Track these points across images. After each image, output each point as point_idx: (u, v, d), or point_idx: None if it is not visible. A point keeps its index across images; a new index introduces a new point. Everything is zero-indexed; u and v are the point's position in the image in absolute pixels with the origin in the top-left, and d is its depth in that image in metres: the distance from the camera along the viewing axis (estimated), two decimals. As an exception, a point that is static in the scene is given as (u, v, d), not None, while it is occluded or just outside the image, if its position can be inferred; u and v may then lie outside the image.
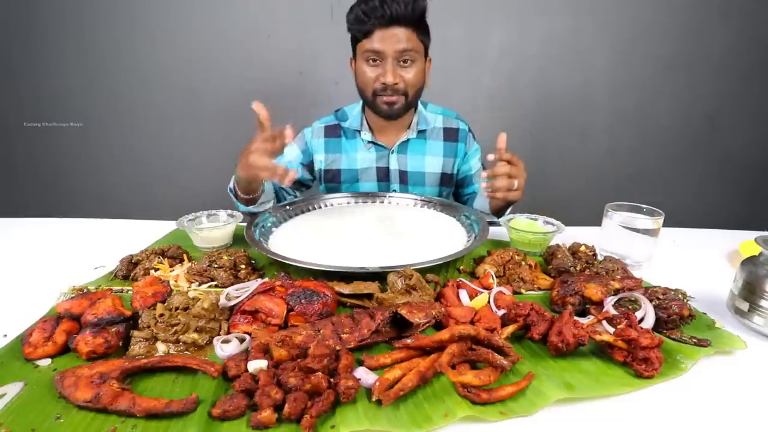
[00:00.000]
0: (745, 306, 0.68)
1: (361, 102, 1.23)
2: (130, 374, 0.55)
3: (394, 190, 1.25)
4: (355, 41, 1.10)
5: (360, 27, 1.04)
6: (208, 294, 0.70)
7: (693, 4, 1.91)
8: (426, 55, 1.13)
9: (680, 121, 2.09)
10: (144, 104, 2.07)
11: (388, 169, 1.25)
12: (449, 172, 1.27)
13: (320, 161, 1.27)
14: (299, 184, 1.31)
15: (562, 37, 1.95)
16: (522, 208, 1.08)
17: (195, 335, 0.61)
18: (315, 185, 1.36)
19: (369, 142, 1.23)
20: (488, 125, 2.00)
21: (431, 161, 1.25)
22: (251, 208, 1.08)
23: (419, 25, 1.06)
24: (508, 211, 1.13)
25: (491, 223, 1.02)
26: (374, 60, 1.07)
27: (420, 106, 1.24)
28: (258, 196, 1.06)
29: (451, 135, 1.26)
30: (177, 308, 0.63)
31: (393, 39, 1.03)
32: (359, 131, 1.23)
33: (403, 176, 1.26)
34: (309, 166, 1.29)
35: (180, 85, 2.04)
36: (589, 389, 0.53)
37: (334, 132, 1.26)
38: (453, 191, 1.36)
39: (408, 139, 1.23)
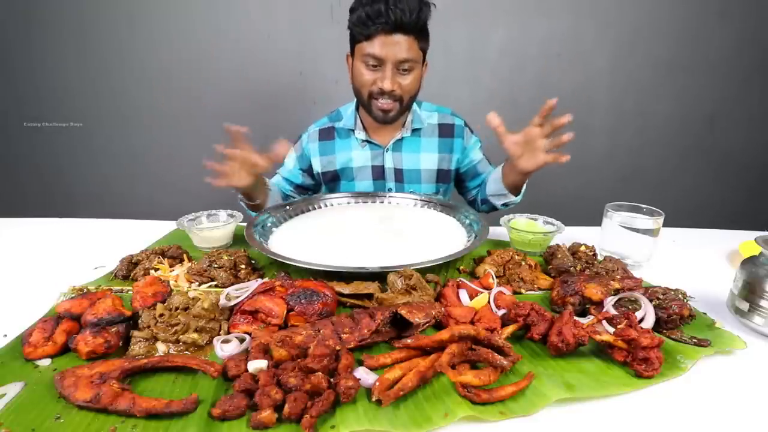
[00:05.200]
0: (745, 306, 0.68)
1: (355, 101, 1.23)
2: (130, 374, 0.55)
3: (390, 189, 1.25)
4: (354, 40, 1.09)
5: (362, 30, 1.03)
6: (208, 294, 0.70)
7: (692, 5, 1.91)
8: (424, 60, 1.13)
9: (680, 122, 2.09)
10: (144, 104, 2.07)
11: (383, 167, 1.25)
12: (446, 168, 1.27)
13: (317, 164, 1.27)
14: (303, 189, 1.32)
15: (563, 37, 1.95)
16: (522, 208, 1.08)
17: (195, 335, 0.61)
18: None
19: (363, 140, 1.23)
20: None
21: (426, 158, 1.25)
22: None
23: (421, 32, 1.06)
24: (524, 187, 1.12)
25: (491, 223, 1.02)
26: (374, 64, 1.06)
27: (414, 105, 1.24)
28: (261, 203, 1.10)
29: (446, 131, 1.26)
30: (177, 308, 0.63)
31: (395, 47, 1.03)
32: (353, 131, 1.23)
33: (399, 174, 1.25)
34: (308, 171, 1.29)
35: (180, 85, 2.04)
36: (589, 389, 0.53)
37: (328, 134, 1.26)
38: (455, 186, 1.36)
39: (402, 138, 1.23)
